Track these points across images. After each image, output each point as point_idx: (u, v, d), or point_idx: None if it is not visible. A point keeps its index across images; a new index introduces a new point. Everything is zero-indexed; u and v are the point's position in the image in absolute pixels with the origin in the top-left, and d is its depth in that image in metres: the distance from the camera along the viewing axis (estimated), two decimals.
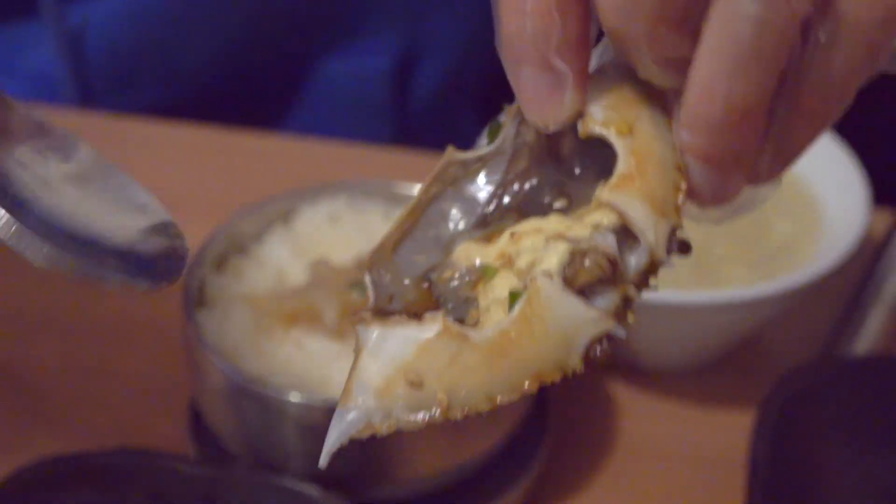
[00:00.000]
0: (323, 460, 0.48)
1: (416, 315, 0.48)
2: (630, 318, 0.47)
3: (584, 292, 0.46)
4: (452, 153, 0.50)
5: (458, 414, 0.47)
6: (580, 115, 0.48)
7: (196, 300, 0.75)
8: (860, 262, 0.89)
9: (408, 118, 1.10)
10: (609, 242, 0.46)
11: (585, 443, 0.82)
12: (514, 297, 0.47)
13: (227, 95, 1.09)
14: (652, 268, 0.47)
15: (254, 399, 0.70)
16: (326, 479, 0.70)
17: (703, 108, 0.47)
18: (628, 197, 0.46)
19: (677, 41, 0.47)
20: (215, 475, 0.71)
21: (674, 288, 0.82)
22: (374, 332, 0.47)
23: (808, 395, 0.76)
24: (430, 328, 0.47)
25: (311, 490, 0.70)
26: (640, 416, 0.84)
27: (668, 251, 0.48)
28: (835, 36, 0.48)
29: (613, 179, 0.47)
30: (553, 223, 0.49)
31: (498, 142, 0.50)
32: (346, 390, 0.47)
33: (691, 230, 0.85)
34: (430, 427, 0.48)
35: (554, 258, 0.47)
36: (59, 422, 0.83)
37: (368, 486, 0.72)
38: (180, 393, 0.81)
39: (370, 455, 0.71)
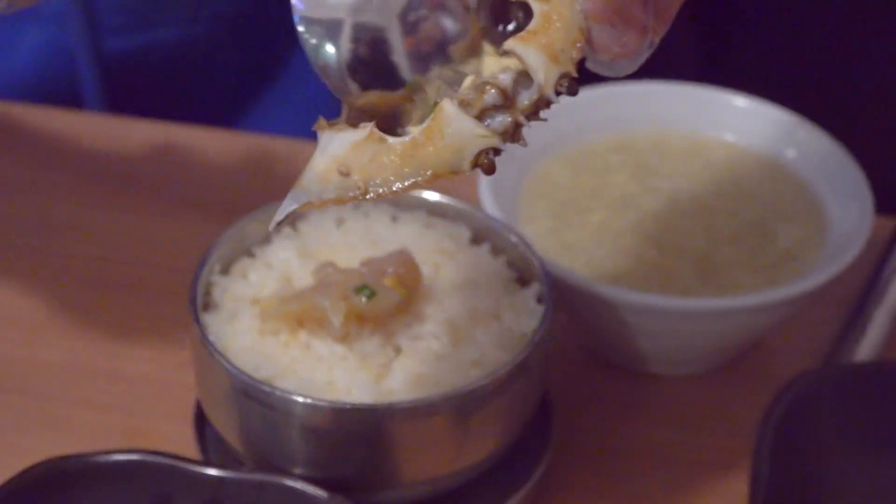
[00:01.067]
0: (272, 226, 0.60)
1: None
2: (521, 138, 0.60)
3: (483, 117, 0.59)
4: None
5: (371, 197, 0.60)
6: None
7: (202, 302, 0.75)
8: (865, 268, 0.89)
9: None
10: (506, 79, 0.60)
11: (590, 446, 0.82)
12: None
13: (241, 35, 1.09)
14: (541, 102, 0.60)
15: (259, 401, 0.70)
16: (332, 481, 0.70)
17: None
18: (528, 46, 0.59)
19: None
20: (221, 476, 0.71)
21: (679, 293, 0.82)
22: (325, 135, 0.60)
23: (811, 401, 0.76)
24: (361, 133, 0.60)
25: (317, 492, 0.70)
26: (644, 419, 0.84)
27: (557, 92, 0.60)
28: None
29: (522, 33, 0.60)
30: (487, 64, 0.63)
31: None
32: (300, 176, 0.60)
33: (697, 236, 0.85)
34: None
35: (462, 88, 0.61)
36: (65, 423, 0.83)
37: (373, 488, 0.72)
38: (186, 395, 0.81)
39: (375, 458, 0.71)
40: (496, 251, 0.79)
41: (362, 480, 0.71)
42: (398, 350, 0.73)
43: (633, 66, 0.62)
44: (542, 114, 0.61)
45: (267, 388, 0.70)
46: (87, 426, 0.83)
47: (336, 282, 0.73)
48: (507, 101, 0.60)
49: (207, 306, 0.76)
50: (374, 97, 0.63)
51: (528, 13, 0.61)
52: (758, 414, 0.76)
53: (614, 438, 0.83)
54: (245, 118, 1.16)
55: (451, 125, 0.60)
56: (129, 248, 0.95)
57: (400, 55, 0.63)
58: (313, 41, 0.63)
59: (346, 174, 0.60)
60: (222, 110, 1.14)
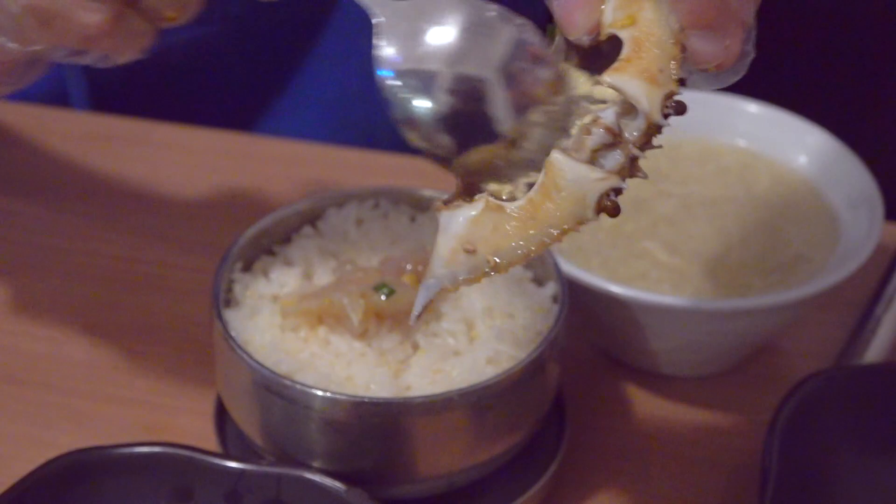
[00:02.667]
0: (413, 318, 0.61)
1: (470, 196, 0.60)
2: (639, 172, 0.59)
3: (596, 158, 0.58)
4: None
5: (504, 269, 0.59)
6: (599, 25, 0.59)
7: (224, 299, 0.77)
8: (875, 272, 0.90)
9: None
10: (608, 115, 0.58)
11: (602, 445, 0.83)
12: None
13: (254, 36, 1.10)
14: (651, 129, 0.58)
15: (280, 395, 0.71)
16: (350, 475, 0.71)
17: None
18: (623, 75, 0.57)
19: None
20: (241, 469, 0.72)
21: (691, 295, 0.83)
22: (443, 217, 0.59)
23: (819, 402, 0.77)
24: (478, 206, 0.59)
25: (335, 484, 0.71)
26: (656, 419, 0.85)
27: (665, 114, 0.58)
28: None
29: (616, 64, 0.58)
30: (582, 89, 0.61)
31: (556, 42, 0.62)
32: (429, 265, 0.60)
33: (709, 239, 0.86)
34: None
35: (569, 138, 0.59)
36: (87, 417, 0.85)
37: (391, 482, 0.73)
38: (206, 391, 0.83)
39: (393, 452, 0.72)
40: None
41: (380, 474, 0.73)
42: (416, 347, 0.74)
43: (739, 74, 0.59)
44: (655, 140, 0.59)
45: (287, 383, 0.71)
46: (109, 421, 0.84)
47: (355, 279, 0.74)
48: (615, 137, 0.58)
49: (229, 303, 0.77)
50: (482, 154, 0.61)
51: (619, 43, 0.59)
52: (768, 415, 0.77)
53: (627, 437, 0.84)
54: (258, 120, 1.17)
55: (565, 176, 0.57)
56: (151, 247, 0.96)
57: (498, 107, 0.61)
58: (407, 93, 0.60)
59: (472, 251, 0.59)
60: (236, 111, 1.15)
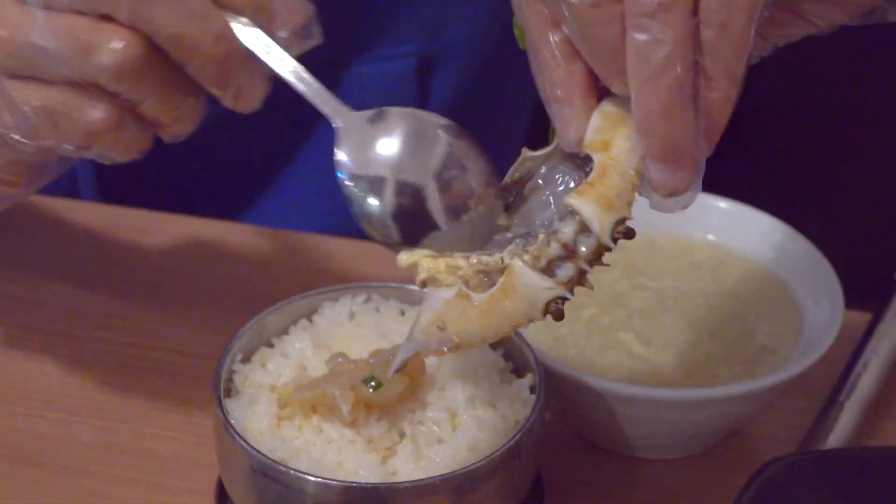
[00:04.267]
0: (391, 373, 0.74)
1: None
2: (588, 283, 0.68)
3: (551, 267, 0.67)
4: (526, 151, 0.72)
5: (464, 348, 0.69)
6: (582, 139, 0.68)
7: (225, 388, 0.81)
8: (839, 360, 0.95)
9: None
10: (567, 232, 0.67)
11: None
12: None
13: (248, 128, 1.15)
14: (601, 248, 0.67)
15: (275, 480, 0.75)
16: None
17: (643, 118, 0.64)
18: (583, 199, 0.66)
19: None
20: None
21: (663, 385, 0.88)
22: (428, 291, 0.70)
23: (780, 486, 0.80)
24: (452, 291, 0.69)
25: None
26: (631, 500, 0.89)
27: (614, 238, 0.67)
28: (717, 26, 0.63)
29: (581, 186, 0.67)
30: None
31: (552, 145, 0.71)
32: (412, 328, 0.70)
33: (681, 331, 0.90)
34: None
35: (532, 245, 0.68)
36: (98, 497, 0.88)
37: None
38: (208, 472, 0.87)
39: None
40: (494, 344, 0.84)
41: None
42: (402, 434, 0.79)
43: (692, 199, 0.67)
44: (606, 259, 0.68)
45: (282, 468, 0.75)
46: (118, 500, 0.88)
47: (346, 371, 0.79)
48: (569, 252, 0.67)
49: (229, 392, 0.82)
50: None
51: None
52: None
53: None
54: (255, 208, 1.23)
55: (521, 280, 0.67)
56: (159, 336, 1.00)
57: (435, 206, 0.71)
58: (360, 194, 0.71)
59: (442, 328, 0.69)
60: (233, 201, 1.21)
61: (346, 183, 0.72)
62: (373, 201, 0.71)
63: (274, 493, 0.76)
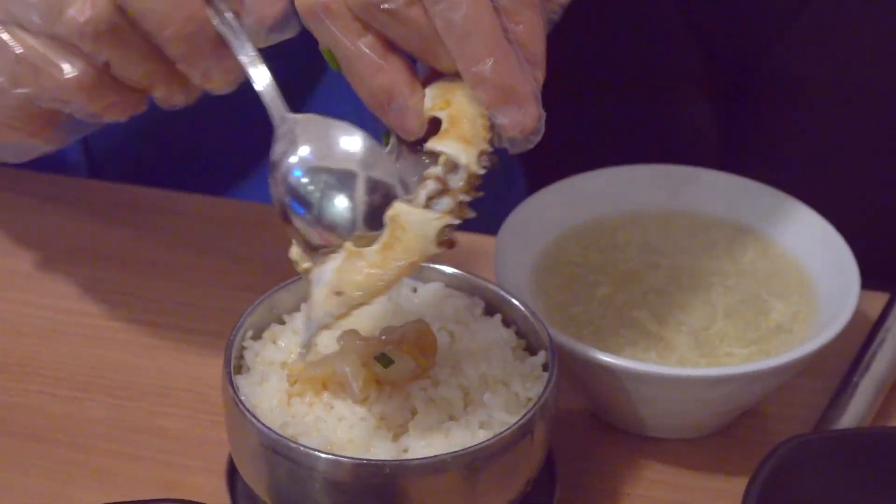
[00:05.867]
0: (300, 349, 0.77)
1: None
2: (467, 212, 0.72)
3: (431, 205, 0.71)
4: None
5: (369, 300, 0.72)
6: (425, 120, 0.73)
7: (236, 365, 0.81)
8: (855, 340, 0.94)
9: None
10: (437, 170, 0.72)
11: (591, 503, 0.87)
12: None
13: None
14: (472, 178, 0.72)
15: (286, 456, 0.75)
16: None
17: (470, 71, 0.71)
18: (444, 140, 0.72)
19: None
20: None
21: (677, 363, 0.88)
22: (314, 272, 0.73)
23: (794, 466, 0.80)
24: (340, 256, 0.72)
25: None
26: (643, 480, 0.89)
27: (483, 166, 0.72)
28: None
29: (436, 136, 0.72)
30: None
31: (388, 147, 0.76)
32: (308, 310, 0.73)
33: (695, 310, 0.89)
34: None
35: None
36: (108, 475, 0.88)
37: None
38: (219, 450, 0.87)
39: None
40: (507, 322, 0.85)
41: None
42: (414, 411, 0.79)
43: (539, 135, 0.72)
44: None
45: (292, 445, 0.75)
46: (128, 478, 0.88)
47: (357, 349, 0.79)
48: (443, 185, 0.72)
49: (240, 369, 0.82)
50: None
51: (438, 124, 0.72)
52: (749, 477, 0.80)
53: (614, 498, 0.88)
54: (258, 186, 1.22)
55: (409, 219, 0.71)
56: (170, 314, 1.00)
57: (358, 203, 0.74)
58: (318, 190, 0.74)
59: (340, 293, 0.72)
60: (248, 180, 1.21)
61: (303, 179, 0.74)
62: (341, 198, 0.74)
63: (284, 470, 0.76)
